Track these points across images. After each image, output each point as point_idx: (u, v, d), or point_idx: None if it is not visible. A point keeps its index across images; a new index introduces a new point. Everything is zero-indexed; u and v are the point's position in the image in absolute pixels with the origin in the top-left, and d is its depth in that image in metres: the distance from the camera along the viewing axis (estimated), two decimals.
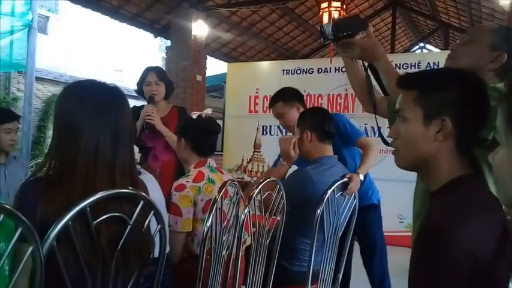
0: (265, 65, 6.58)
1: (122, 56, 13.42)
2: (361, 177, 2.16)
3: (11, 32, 3.01)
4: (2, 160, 2.63)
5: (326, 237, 1.87)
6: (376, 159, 2.43)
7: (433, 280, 0.83)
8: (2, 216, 0.86)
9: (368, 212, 2.53)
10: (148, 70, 2.80)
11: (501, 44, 1.34)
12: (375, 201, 2.60)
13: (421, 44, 11.73)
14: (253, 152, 6.05)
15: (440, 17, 9.08)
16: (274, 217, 1.79)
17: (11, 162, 2.68)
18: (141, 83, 2.79)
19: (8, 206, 0.88)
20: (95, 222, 1.13)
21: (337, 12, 5.44)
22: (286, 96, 2.58)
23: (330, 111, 5.52)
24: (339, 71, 5.55)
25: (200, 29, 6.41)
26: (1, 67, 3.44)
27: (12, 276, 0.93)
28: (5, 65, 3.16)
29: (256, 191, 1.60)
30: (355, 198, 2.11)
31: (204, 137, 1.99)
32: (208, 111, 2.12)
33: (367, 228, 2.54)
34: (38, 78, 6.54)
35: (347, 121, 2.52)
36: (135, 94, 2.88)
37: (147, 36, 7.69)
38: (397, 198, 3.47)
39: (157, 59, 12.71)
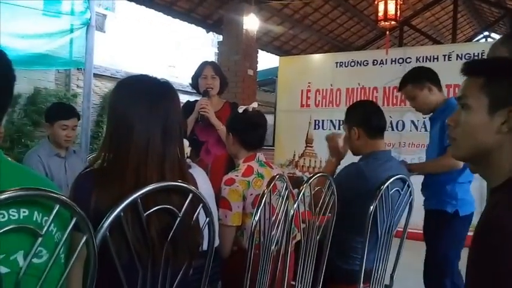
0: (317, 57, 6.47)
1: (176, 52, 13.75)
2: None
3: (71, 31, 3.16)
4: (62, 154, 2.75)
5: (380, 235, 1.80)
6: (436, 170, 2.28)
7: (492, 277, 0.77)
8: (58, 206, 0.89)
9: (434, 218, 2.33)
10: (205, 64, 2.84)
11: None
12: (446, 209, 2.31)
13: (486, 33, 11.05)
14: (305, 146, 5.99)
15: (506, 3, 8.49)
16: (324, 215, 1.75)
17: (71, 156, 2.80)
18: (197, 76, 2.83)
19: (63, 197, 0.90)
20: (145, 213, 1.15)
21: (393, 2, 5.23)
22: (414, 77, 2.45)
23: (385, 104, 5.33)
24: (395, 63, 5.35)
25: (252, 22, 6.42)
26: (62, 64, 3.64)
27: (68, 263, 0.95)
28: (65, 62, 3.33)
29: (306, 185, 1.57)
30: (410, 195, 2.01)
31: (251, 130, 1.98)
32: (255, 104, 2.11)
33: (432, 237, 2.34)
34: (95, 75, 6.80)
35: None
36: (188, 90, 2.93)
37: (200, 31, 7.82)
38: None
39: (210, 54, 12.90)
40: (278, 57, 7.36)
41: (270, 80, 8.86)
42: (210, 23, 7.23)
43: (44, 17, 3.32)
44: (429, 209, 2.40)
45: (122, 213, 1.09)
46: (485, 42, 9.53)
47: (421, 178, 2.44)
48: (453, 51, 5.00)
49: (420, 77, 2.43)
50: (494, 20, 9.90)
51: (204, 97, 2.73)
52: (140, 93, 1.27)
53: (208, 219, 1.28)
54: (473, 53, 4.88)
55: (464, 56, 4.89)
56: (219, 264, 1.72)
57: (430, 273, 2.37)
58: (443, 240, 2.34)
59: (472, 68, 0.98)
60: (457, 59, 4.89)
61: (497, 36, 10.77)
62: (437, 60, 5.00)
